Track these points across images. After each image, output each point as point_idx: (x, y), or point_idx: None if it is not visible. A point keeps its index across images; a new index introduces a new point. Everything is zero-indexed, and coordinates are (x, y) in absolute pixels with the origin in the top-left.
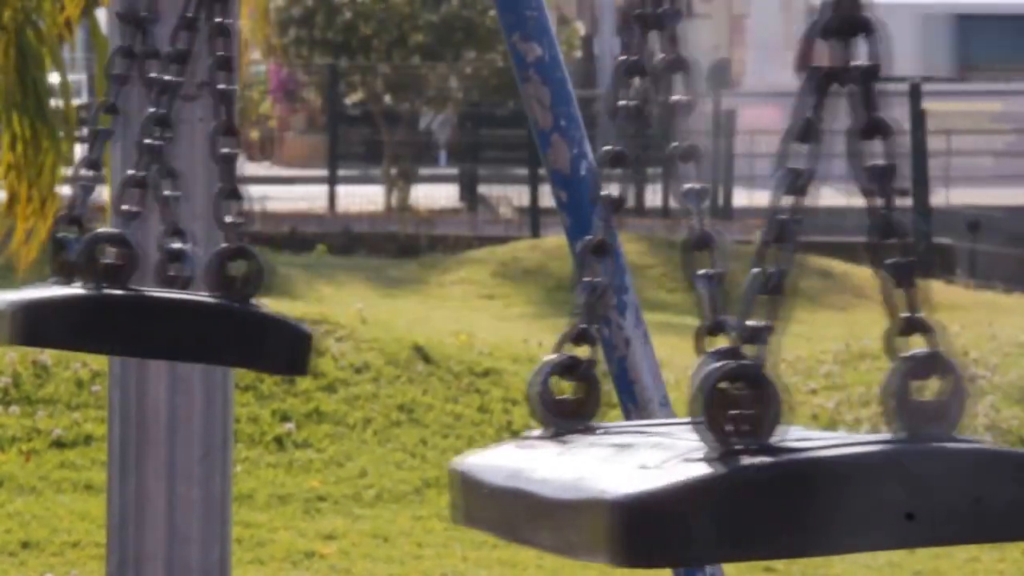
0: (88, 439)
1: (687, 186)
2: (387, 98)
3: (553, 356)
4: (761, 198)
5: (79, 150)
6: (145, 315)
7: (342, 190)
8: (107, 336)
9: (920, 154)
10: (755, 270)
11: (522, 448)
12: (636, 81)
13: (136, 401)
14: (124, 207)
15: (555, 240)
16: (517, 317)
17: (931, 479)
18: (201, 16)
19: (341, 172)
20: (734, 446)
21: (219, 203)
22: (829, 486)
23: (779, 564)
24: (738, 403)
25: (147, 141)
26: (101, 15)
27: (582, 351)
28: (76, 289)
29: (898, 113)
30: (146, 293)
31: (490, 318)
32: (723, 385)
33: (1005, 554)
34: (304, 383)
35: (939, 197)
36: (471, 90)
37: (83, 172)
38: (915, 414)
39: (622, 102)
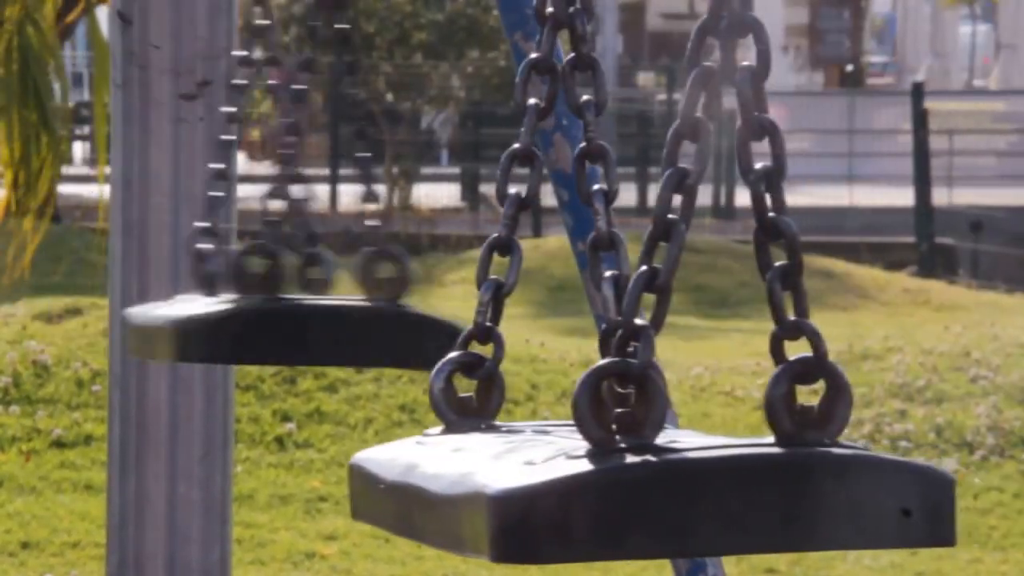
0: (88, 439)
1: (596, 187)
2: (389, 97)
3: (455, 353)
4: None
5: (78, 149)
6: (302, 323)
7: (343, 189)
8: (266, 347)
9: (923, 154)
10: (641, 268)
11: (421, 444)
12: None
13: (136, 401)
14: (268, 217)
15: (557, 240)
16: (518, 317)
17: (808, 484)
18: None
19: (342, 171)
20: (616, 444)
21: (361, 205)
22: (706, 486)
23: (781, 565)
24: (625, 402)
25: (282, 150)
26: (102, 14)
27: (486, 349)
28: (231, 302)
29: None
30: (302, 301)
31: None
32: (607, 384)
33: (1008, 555)
34: (305, 383)
35: (942, 197)
36: (473, 89)
37: (214, 183)
38: (796, 419)
39: (532, 100)
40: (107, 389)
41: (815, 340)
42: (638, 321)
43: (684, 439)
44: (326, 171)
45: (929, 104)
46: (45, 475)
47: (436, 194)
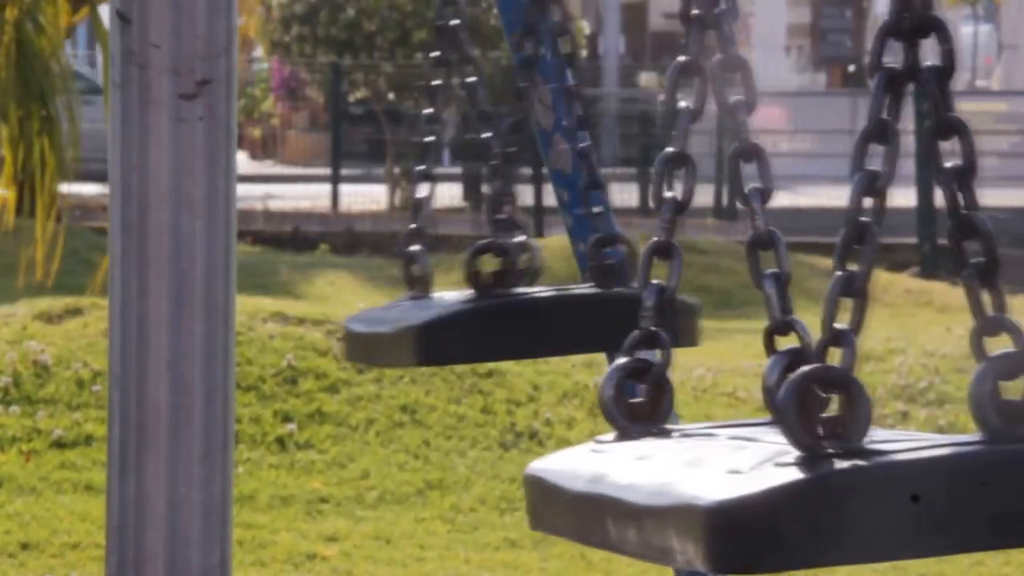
0: (89, 439)
1: (752, 185)
2: (390, 96)
3: (623, 359)
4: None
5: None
6: (536, 315)
7: (345, 189)
8: (505, 343)
9: (925, 155)
10: (838, 272)
11: (598, 453)
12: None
13: (136, 401)
14: (497, 216)
15: (559, 240)
16: None
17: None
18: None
19: (344, 171)
20: (826, 449)
21: (582, 195)
22: (919, 488)
23: None
24: (820, 405)
25: (507, 149)
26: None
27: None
28: (467, 301)
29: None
30: (535, 295)
31: None
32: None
33: (1011, 557)
34: (306, 384)
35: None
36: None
37: (419, 185)
38: (1003, 414)
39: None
40: (107, 389)
41: (1016, 335)
42: (839, 325)
43: (887, 440)
44: (328, 170)
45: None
46: (45, 476)
47: (438, 194)
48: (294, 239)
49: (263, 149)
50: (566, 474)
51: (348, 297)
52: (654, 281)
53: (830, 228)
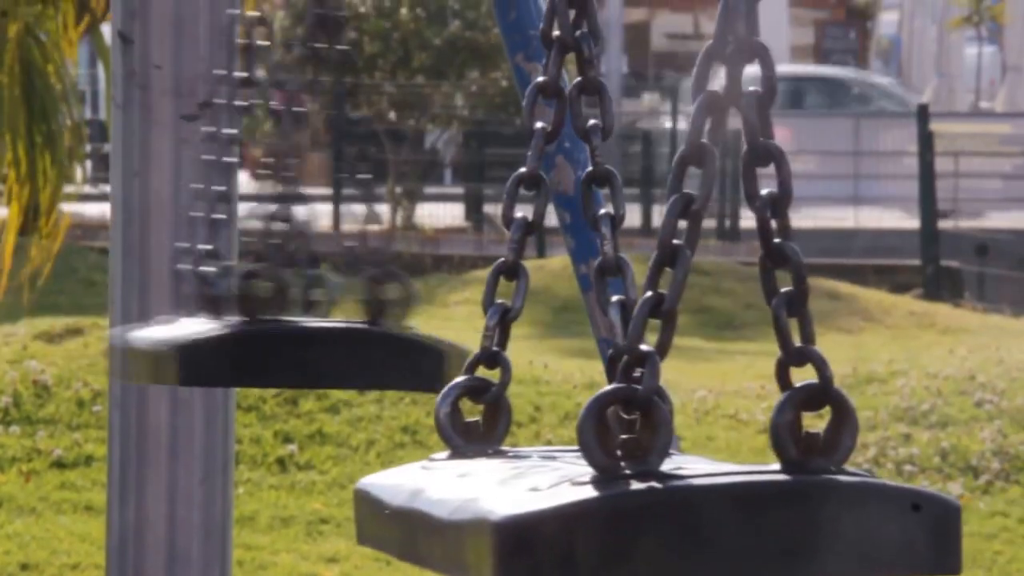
0: (89, 460)
1: (602, 211)
2: (392, 116)
3: (461, 378)
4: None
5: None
6: (306, 346)
7: (345, 209)
8: (269, 370)
9: (928, 176)
10: (646, 294)
11: (426, 469)
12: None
13: (137, 422)
14: (271, 240)
15: (560, 261)
16: (522, 338)
17: (814, 511)
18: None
19: (344, 191)
20: (622, 471)
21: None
22: (710, 514)
23: None
24: (630, 428)
25: (283, 171)
26: (105, 30)
27: (492, 373)
28: (234, 325)
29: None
30: (305, 323)
31: None
32: (613, 409)
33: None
34: (307, 404)
35: (947, 220)
36: (476, 108)
37: (217, 206)
38: (802, 446)
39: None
40: (108, 410)
41: (821, 367)
42: (643, 347)
43: (689, 466)
44: (328, 191)
45: (935, 126)
46: (45, 496)
47: (439, 214)
48: None
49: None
50: (391, 489)
51: (348, 316)
52: (498, 301)
53: (831, 249)
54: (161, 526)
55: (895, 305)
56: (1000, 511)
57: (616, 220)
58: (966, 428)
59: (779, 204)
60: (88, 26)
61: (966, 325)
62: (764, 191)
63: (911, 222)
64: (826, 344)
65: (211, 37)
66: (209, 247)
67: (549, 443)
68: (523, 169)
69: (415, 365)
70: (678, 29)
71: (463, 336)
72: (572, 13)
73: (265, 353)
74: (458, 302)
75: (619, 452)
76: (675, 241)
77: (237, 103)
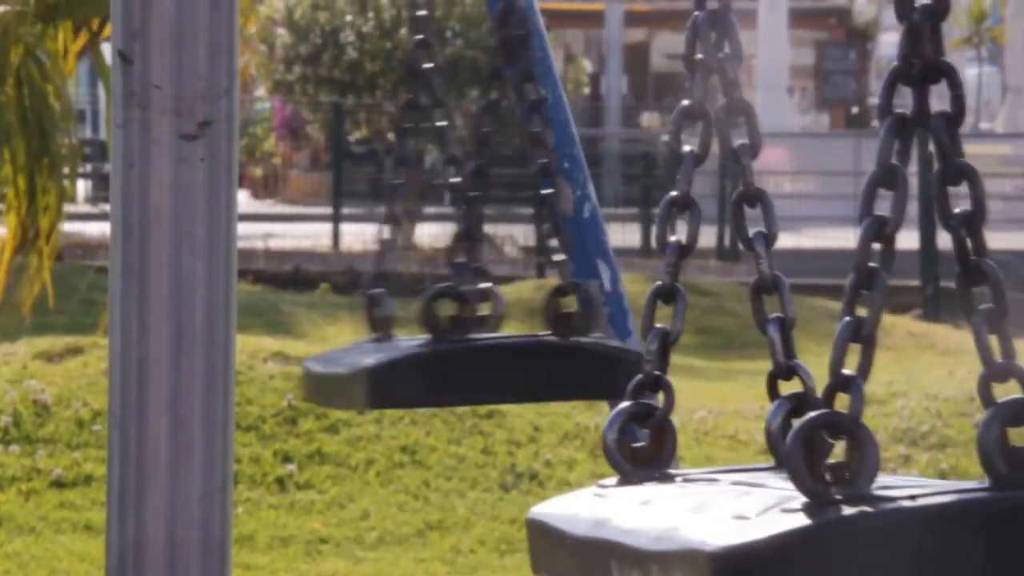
0: (88, 479)
1: (754, 231)
2: (391, 136)
3: (626, 403)
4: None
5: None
6: (493, 361)
7: (346, 228)
8: (460, 388)
9: (927, 197)
10: (845, 318)
11: (601, 497)
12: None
13: (136, 441)
14: (457, 259)
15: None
16: None
17: None
18: None
19: (345, 210)
20: (833, 495)
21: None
22: (927, 535)
23: None
24: (826, 451)
25: (471, 193)
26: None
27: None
28: (422, 345)
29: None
30: (489, 341)
31: None
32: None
33: None
34: (306, 424)
35: (947, 240)
36: (475, 129)
37: (382, 228)
38: (1010, 461)
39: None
40: (107, 429)
41: None
42: (846, 371)
43: (893, 486)
44: (329, 209)
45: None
46: (44, 515)
47: (439, 233)
48: (295, 278)
49: (264, 188)
50: (569, 518)
51: (349, 336)
52: (657, 325)
53: (833, 270)
54: (160, 545)
55: (895, 326)
56: None
57: (769, 238)
58: (965, 450)
59: (974, 222)
60: (88, 46)
61: (966, 346)
62: (958, 210)
63: (911, 243)
64: (824, 364)
65: (210, 56)
66: (381, 269)
67: (548, 463)
68: (674, 192)
69: (599, 373)
70: (678, 49)
71: None
72: (713, 35)
73: (455, 371)
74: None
75: (827, 476)
76: (871, 264)
77: (404, 125)
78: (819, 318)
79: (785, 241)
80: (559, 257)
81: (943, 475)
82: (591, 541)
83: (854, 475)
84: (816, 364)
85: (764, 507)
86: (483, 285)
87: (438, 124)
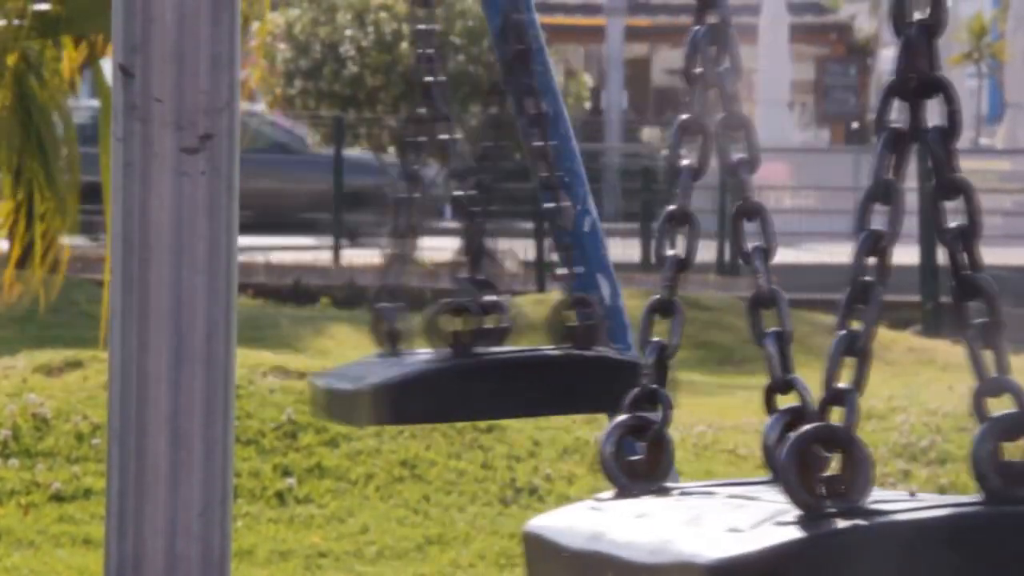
0: (88, 493)
1: (753, 244)
2: (392, 150)
3: (623, 417)
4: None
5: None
6: (503, 376)
7: (346, 242)
8: (471, 403)
9: (927, 213)
10: (840, 332)
11: (597, 510)
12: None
13: (135, 455)
14: (466, 274)
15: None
16: None
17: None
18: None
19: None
20: (826, 508)
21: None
22: (920, 549)
23: None
24: (820, 464)
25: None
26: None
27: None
28: (435, 360)
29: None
30: (499, 355)
31: None
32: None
33: None
34: (306, 438)
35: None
36: (477, 143)
37: (394, 242)
38: (1004, 475)
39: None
40: (106, 443)
41: (1018, 396)
42: (840, 384)
43: (888, 500)
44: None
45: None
46: (43, 529)
47: (439, 248)
48: (295, 292)
49: None
50: (565, 531)
51: (349, 351)
52: (654, 339)
53: (832, 285)
54: (159, 559)
55: (895, 341)
56: None
57: (768, 253)
58: (965, 465)
59: (968, 237)
60: (87, 61)
61: (965, 362)
62: (953, 224)
63: (911, 258)
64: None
65: (212, 70)
66: (391, 284)
67: (548, 477)
68: (672, 207)
69: (612, 386)
70: (679, 65)
71: None
72: (713, 50)
73: (469, 386)
74: None
75: (822, 489)
76: (866, 278)
77: (409, 139)
78: (817, 333)
79: (784, 256)
80: (563, 271)
81: (942, 490)
82: (587, 554)
83: (848, 488)
84: (814, 379)
85: (758, 520)
86: (494, 297)
87: (442, 137)
